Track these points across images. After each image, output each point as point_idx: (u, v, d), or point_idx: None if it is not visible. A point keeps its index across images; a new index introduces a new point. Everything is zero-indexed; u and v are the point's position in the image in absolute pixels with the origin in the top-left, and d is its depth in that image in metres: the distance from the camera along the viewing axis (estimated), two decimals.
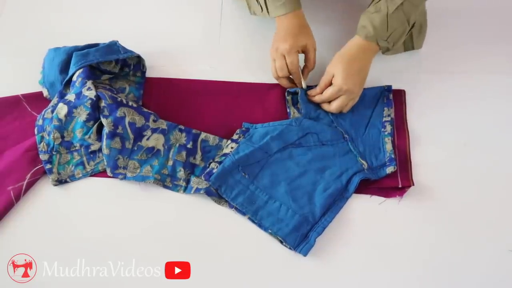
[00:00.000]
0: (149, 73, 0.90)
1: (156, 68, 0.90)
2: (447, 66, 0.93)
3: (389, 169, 0.80)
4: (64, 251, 0.72)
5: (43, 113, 0.82)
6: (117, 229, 0.75)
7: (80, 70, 0.81)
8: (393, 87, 0.89)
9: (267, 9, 0.85)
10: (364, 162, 0.81)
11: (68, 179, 0.79)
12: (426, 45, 0.93)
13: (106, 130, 0.78)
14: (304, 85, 0.85)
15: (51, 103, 0.82)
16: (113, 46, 0.85)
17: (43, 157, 0.79)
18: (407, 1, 0.78)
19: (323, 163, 0.80)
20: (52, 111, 0.80)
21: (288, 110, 0.86)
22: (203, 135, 0.83)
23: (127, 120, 0.79)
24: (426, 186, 0.80)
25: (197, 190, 0.77)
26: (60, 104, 0.79)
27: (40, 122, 0.82)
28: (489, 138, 0.85)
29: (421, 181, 0.80)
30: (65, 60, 0.83)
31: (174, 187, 0.79)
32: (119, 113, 0.79)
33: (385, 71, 0.89)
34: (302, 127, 0.82)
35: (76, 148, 0.80)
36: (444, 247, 0.76)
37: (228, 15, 0.98)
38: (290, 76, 0.86)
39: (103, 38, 0.87)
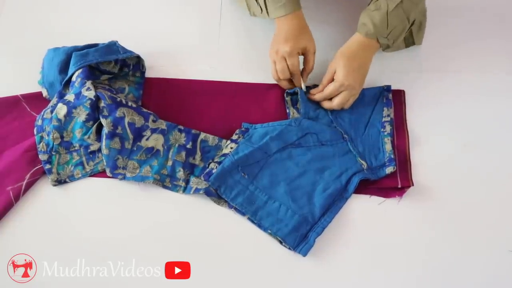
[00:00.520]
0: (149, 73, 0.90)
1: (156, 68, 0.90)
2: (447, 65, 0.93)
3: (389, 169, 0.80)
4: (64, 251, 0.72)
5: (42, 113, 0.82)
6: (117, 229, 0.75)
7: (80, 70, 0.81)
8: (392, 87, 0.89)
9: (266, 10, 0.84)
10: (363, 162, 0.81)
11: (67, 179, 0.79)
12: (425, 43, 0.93)
13: (105, 130, 0.78)
14: (303, 87, 0.85)
15: (51, 103, 0.82)
16: (113, 46, 0.85)
17: (43, 157, 0.79)
18: None
19: (323, 163, 0.80)
20: (52, 111, 0.80)
21: (287, 111, 0.86)
22: (202, 135, 0.83)
23: (126, 120, 0.79)
24: (426, 186, 0.80)
25: (197, 191, 0.77)
26: (60, 104, 0.79)
27: (39, 122, 0.82)
28: (490, 137, 0.85)
29: (421, 181, 0.80)
30: (65, 60, 0.83)
31: (174, 188, 0.79)
32: (118, 113, 0.79)
33: (384, 71, 0.89)
34: (301, 127, 0.82)
35: (76, 148, 0.80)
36: (444, 248, 0.76)
37: (227, 15, 0.98)
38: (290, 77, 0.86)
39: (102, 38, 0.87)
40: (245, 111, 0.86)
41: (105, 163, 0.79)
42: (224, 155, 0.80)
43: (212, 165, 0.79)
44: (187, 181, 0.79)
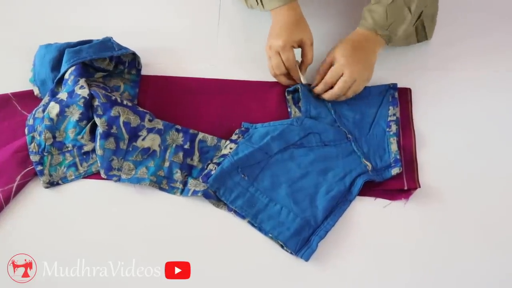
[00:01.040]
0: (145, 71, 0.89)
1: (152, 66, 0.89)
2: (455, 62, 0.92)
3: (394, 171, 0.79)
4: (64, 251, 0.73)
5: (33, 112, 0.81)
6: (117, 229, 0.75)
7: (73, 68, 0.80)
8: (399, 85, 0.88)
9: (262, 1, 0.84)
10: (368, 163, 0.80)
11: (60, 181, 0.78)
12: (432, 40, 0.92)
13: (99, 130, 0.77)
14: (303, 81, 0.84)
15: (42, 102, 0.82)
16: (107, 43, 0.84)
17: (34, 158, 0.78)
18: None
19: (326, 164, 0.79)
20: (43, 110, 0.80)
21: (289, 110, 0.86)
22: (200, 135, 0.82)
23: (121, 119, 0.78)
24: (433, 188, 0.79)
25: (195, 193, 0.76)
26: (52, 103, 0.79)
27: (30, 121, 0.81)
28: (500, 137, 0.84)
29: (428, 182, 0.79)
30: (57, 57, 0.83)
31: (171, 190, 0.78)
32: (113, 112, 0.78)
33: (389, 68, 0.88)
34: (303, 127, 0.81)
35: (69, 149, 0.80)
36: (453, 253, 0.75)
37: (226, 10, 0.97)
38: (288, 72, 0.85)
39: (96, 34, 0.86)
40: (245, 110, 0.85)
41: (99, 164, 0.78)
42: (223, 155, 0.79)
43: (210, 166, 0.78)
44: (184, 183, 0.78)
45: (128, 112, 0.79)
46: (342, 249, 0.74)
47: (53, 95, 0.81)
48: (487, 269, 0.73)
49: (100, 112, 0.77)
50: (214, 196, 0.76)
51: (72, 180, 0.78)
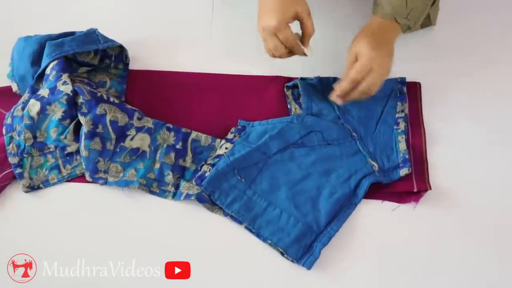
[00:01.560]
0: (133, 65, 0.87)
1: (141, 59, 0.88)
2: (468, 54, 0.90)
3: (403, 171, 0.77)
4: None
5: (12, 110, 0.80)
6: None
7: (54, 62, 0.79)
8: (407, 79, 0.86)
9: None
10: (374, 163, 0.78)
11: (41, 185, 0.77)
12: (442, 30, 0.90)
13: (84, 129, 0.76)
14: (309, 54, 0.78)
15: (22, 99, 0.80)
16: (92, 35, 0.83)
17: (13, 160, 0.76)
18: None
19: (329, 165, 0.78)
20: (23, 108, 0.78)
21: (288, 106, 0.84)
22: (193, 134, 0.81)
23: (108, 118, 0.77)
24: (445, 190, 0.78)
25: (188, 196, 0.75)
26: (32, 101, 0.77)
27: (9, 120, 0.79)
28: None
29: (439, 184, 0.78)
30: (37, 50, 0.81)
31: (162, 193, 0.77)
32: (99, 110, 0.77)
33: (397, 61, 0.84)
34: (304, 125, 0.80)
35: (51, 150, 0.78)
36: (466, 258, 0.74)
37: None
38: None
39: (80, 26, 0.85)
40: (242, 107, 0.84)
41: (84, 167, 0.77)
42: (218, 156, 0.78)
43: (204, 167, 0.77)
44: (176, 186, 0.77)
45: (115, 110, 0.78)
46: (347, 256, 0.73)
47: (34, 91, 0.79)
48: (506, 277, 0.72)
49: (84, 110, 0.76)
50: (208, 200, 0.75)
51: (54, 184, 0.77)
